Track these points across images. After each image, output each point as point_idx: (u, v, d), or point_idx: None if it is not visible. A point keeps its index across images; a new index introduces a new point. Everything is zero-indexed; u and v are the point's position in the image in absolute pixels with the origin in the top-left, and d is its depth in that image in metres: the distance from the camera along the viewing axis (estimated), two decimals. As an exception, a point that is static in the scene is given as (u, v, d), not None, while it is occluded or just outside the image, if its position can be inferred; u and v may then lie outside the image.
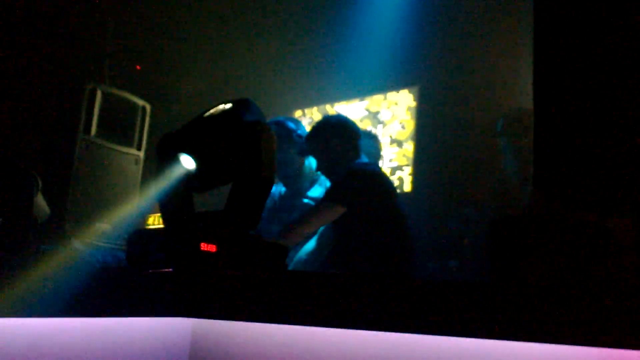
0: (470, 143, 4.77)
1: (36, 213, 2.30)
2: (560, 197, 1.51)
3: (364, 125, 5.53)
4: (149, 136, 3.68)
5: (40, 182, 2.34)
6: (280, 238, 3.23)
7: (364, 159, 3.59)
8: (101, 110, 3.46)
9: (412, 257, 3.40)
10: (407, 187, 5.49)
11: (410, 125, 5.65)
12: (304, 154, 3.70)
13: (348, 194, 3.33)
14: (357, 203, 3.33)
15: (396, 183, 5.30)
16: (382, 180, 3.51)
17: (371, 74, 5.61)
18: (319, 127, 3.63)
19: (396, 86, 5.79)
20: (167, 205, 1.79)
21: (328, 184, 3.66)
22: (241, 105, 1.83)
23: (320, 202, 3.42)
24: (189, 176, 1.79)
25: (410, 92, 5.74)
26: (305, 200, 3.81)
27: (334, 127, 3.58)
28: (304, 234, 3.43)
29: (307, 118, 6.19)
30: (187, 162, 1.79)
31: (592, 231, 1.57)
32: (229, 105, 1.82)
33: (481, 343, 1.30)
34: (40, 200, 2.38)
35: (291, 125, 3.82)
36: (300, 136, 3.74)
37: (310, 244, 3.58)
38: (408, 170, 5.56)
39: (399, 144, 5.68)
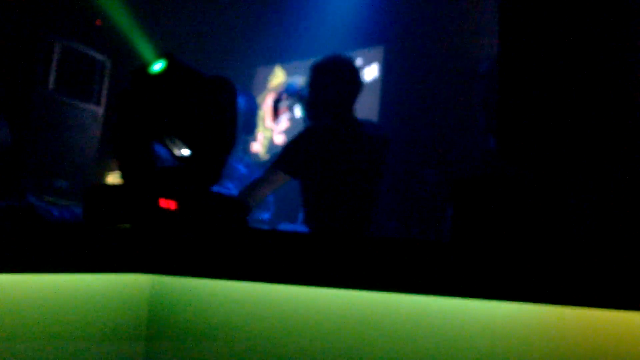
0: (439, 100, 4.77)
1: None
2: (524, 160, 1.52)
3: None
4: (109, 91, 3.63)
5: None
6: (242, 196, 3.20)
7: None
8: (60, 64, 3.38)
9: (369, 216, 3.34)
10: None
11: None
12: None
13: (292, 161, 3.24)
14: (301, 170, 3.24)
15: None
16: (328, 143, 3.29)
17: (336, 32, 5.59)
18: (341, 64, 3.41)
19: (362, 45, 5.77)
20: (126, 160, 1.76)
21: None
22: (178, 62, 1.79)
23: (267, 168, 3.31)
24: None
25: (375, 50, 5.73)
26: None
27: (340, 71, 3.37)
28: (257, 199, 3.31)
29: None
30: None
31: (554, 192, 1.57)
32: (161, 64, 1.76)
33: (442, 301, 1.30)
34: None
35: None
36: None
37: None
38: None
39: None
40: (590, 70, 1.40)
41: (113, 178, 4.53)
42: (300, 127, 3.57)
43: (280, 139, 6.20)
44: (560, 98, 1.42)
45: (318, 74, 3.40)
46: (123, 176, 1.76)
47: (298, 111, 3.85)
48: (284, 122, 6.01)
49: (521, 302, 1.19)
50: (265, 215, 4.06)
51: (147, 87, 1.75)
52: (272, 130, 6.31)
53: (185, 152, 1.74)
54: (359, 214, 3.30)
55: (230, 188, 3.85)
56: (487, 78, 3.08)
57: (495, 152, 2.96)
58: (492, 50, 4.19)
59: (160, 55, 1.76)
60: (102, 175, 4.30)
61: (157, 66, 1.74)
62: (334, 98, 3.36)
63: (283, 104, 3.77)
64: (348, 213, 3.27)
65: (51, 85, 3.29)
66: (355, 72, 3.43)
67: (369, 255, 1.23)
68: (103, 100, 3.59)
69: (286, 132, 6.03)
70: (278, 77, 6.30)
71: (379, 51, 5.69)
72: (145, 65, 1.75)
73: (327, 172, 3.24)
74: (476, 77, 3.19)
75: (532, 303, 1.18)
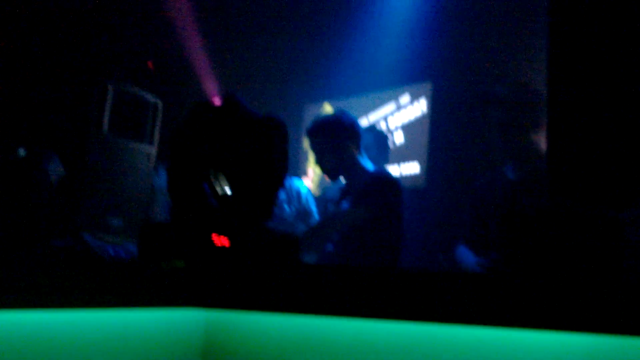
0: (483, 139, 4.75)
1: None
2: (575, 191, 1.50)
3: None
4: (161, 132, 3.69)
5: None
6: (304, 240, 3.22)
7: (367, 159, 3.57)
8: (113, 106, 3.46)
9: (400, 254, 3.42)
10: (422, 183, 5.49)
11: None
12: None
13: (376, 202, 3.31)
14: (381, 211, 3.31)
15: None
16: (400, 188, 3.46)
17: (378, 70, 5.62)
18: (330, 125, 3.54)
19: (404, 84, 5.79)
20: (179, 198, 1.79)
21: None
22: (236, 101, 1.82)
23: (348, 209, 3.39)
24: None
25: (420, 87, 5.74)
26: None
27: (347, 128, 3.50)
28: (329, 238, 3.38)
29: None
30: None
31: (605, 224, 1.55)
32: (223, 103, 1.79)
33: (489, 331, 1.29)
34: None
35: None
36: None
37: None
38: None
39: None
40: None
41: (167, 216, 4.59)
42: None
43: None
44: (613, 129, 1.41)
45: (316, 137, 3.55)
46: (177, 213, 1.78)
47: None
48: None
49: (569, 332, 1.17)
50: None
51: (204, 123, 1.78)
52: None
53: (228, 191, 1.76)
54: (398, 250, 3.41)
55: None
56: (506, 102, 3.00)
57: (521, 182, 2.91)
58: (507, 70, 4.15)
59: (222, 93, 1.80)
60: (156, 214, 4.35)
61: (218, 103, 1.77)
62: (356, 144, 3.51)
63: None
64: (391, 249, 3.36)
65: (105, 127, 3.36)
66: (349, 124, 3.56)
67: (418, 288, 1.23)
68: (156, 140, 3.65)
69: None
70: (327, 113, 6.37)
71: (426, 87, 5.69)
72: (207, 102, 1.79)
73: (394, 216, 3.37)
74: (491, 100, 3.06)
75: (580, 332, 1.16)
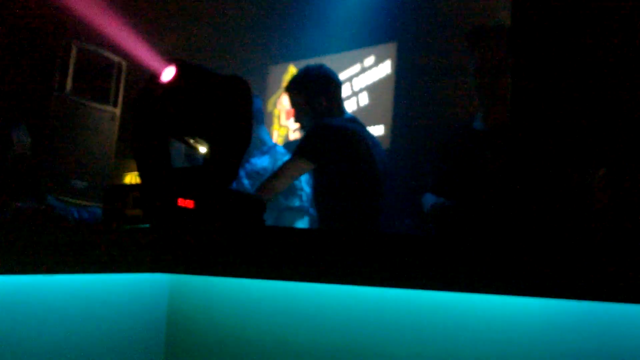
0: (453, 96, 4.76)
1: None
2: (540, 151, 1.52)
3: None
4: (125, 93, 3.65)
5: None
6: (256, 194, 3.24)
7: (347, 114, 3.57)
8: (76, 66, 3.41)
9: (379, 215, 3.43)
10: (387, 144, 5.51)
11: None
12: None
13: (315, 149, 3.32)
14: (325, 159, 3.32)
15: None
16: (349, 137, 3.42)
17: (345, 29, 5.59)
18: (303, 79, 3.55)
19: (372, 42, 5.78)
20: (143, 161, 1.78)
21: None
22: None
23: (289, 158, 3.42)
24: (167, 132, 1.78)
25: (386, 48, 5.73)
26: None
27: (318, 82, 3.51)
28: (277, 189, 3.40)
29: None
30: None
31: (572, 184, 1.57)
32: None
33: (455, 296, 1.31)
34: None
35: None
36: None
37: None
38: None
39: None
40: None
41: (131, 178, 4.56)
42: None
43: (296, 137, 6.24)
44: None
45: (302, 83, 3.55)
46: (141, 176, 1.78)
47: None
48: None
49: (534, 297, 1.20)
50: (296, 202, 4.09)
51: (161, 92, 1.77)
52: (287, 128, 6.33)
53: (204, 150, 1.76)
54: (369, 209, 3.40)
55: (246, 184, 3.89)
56: (484, 137, 2.98)
57: (489, 133, 2.89)
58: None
59: (169, 61, 1.78)
60: (120, 176, 4.33)
61: (167, 74, 1.76)
62: (328, 100, 3.50)
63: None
64: (359, 206, 3.36)
65: (69, 88, 3.32)
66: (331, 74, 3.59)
67: (383, 251, 1.24)
68: (120, 101, 3.61)
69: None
70: (291, 74, 6.33)
71: (391, 47, 5.68)
72: (156, 75, 1.77)
73: (343, 164, 3.34)
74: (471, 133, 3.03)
75: (536, 297, 1.19)
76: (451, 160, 3.00)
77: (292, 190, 4.05)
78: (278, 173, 3.37)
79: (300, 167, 3.33)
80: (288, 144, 6.06)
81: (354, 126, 3.47)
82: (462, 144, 2.99)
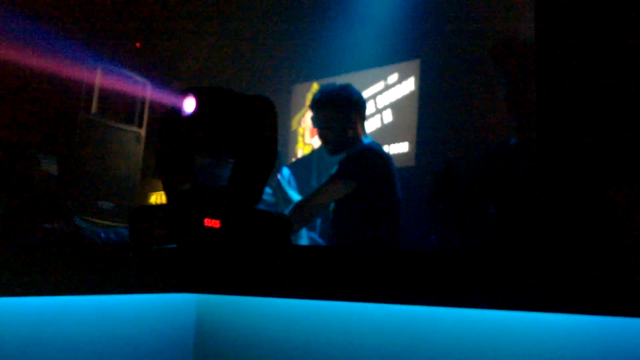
0: (475, 117, 4.76)
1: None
2: (567, 172, 1.51)
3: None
4: (150, 113, 3.68)
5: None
6: (291, 215, 3.22)
7: (369, 137, 3.57)
8: (101, 88, 3.44)
9: (398, 235, 3.42)
10: (411, 162, 5.49)
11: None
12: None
13: (361, 170, 3.31)
14: (366, 181, 3.31)
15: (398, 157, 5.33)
16: (389, 161, 3.45)
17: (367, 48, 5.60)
18: (333, 98, 3.51)
19: (395, 60, 5.78)
20: (169, 181, 1.79)
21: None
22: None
23: (333, 177, 3.37)
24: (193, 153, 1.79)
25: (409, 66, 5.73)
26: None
27: (354, 101, 3.50)
28: (316, 209, 3.40)
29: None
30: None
31: (600, 205, 1.56)
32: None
33: (482, 313, 1.30)
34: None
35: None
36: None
37: None
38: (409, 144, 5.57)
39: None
40: None
41: (157, 198, 4.59)
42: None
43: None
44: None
45: (332, 102, 3.51)
46: (167, 196, 1.79)
47: None
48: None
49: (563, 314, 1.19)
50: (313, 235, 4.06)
51: (184, 121, 1.78)
52: (312, 146, 6.34)
53: (218, 173, 1.77)
54: (396, 228, 3.41)
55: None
56: (518, 152, 2.99)
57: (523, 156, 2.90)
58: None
59: (187, 92, 1.78)
60: (146, 196, 4.35)
61: (189, 106, 1.77)
62: (356, 120, 3.50)
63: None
64: (390, 226, 3.36)
65: (94, 109, 3.35)
66: (356, 97, 3.57)
67: (411, 269, 1.24)
68: (145, 122, 3.64)
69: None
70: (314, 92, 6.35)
71: (415, 65, 5.69)
72: (176, 111, 1.78)
73: (384, 186, 3.37)
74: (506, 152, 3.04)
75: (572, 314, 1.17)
76: (489, 175, 3.01)
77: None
78: (320, 194, 3.36)
79: (341, 189, 3.32)
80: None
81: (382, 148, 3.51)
82: (500, 160, 3.00)
